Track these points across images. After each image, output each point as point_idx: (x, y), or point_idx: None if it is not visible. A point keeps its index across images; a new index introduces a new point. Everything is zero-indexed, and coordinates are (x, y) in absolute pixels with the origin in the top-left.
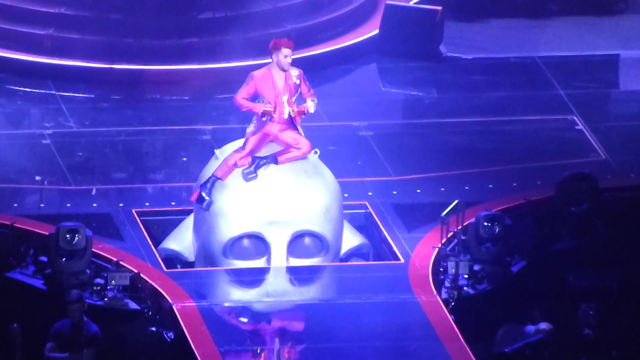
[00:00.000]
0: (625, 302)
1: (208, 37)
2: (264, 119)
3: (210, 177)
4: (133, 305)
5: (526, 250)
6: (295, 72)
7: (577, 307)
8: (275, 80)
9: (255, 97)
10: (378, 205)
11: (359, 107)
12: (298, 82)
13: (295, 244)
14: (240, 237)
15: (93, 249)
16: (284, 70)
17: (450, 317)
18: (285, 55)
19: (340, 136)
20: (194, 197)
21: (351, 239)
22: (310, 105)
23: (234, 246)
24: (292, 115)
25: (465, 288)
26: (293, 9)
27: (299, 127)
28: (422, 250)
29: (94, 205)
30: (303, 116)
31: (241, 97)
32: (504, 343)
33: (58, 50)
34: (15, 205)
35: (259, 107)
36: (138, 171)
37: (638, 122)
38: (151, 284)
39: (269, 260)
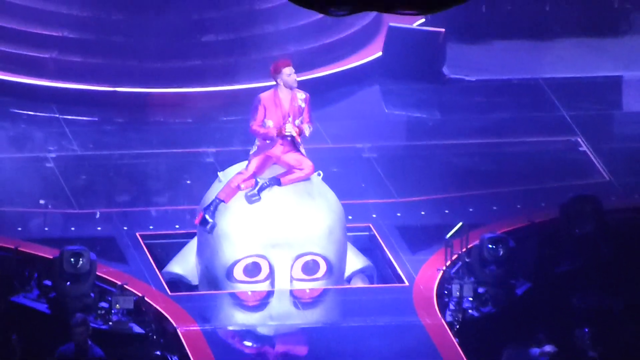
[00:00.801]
0: (630, 323)
1: (211, 59)
2: (276, 137)
3: (213, 200)
4: (137, 329)
5: (530, 272)
6: (301, 95)
7: (574, 332)
8: (282, 101)
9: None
10: (382, 227)
11: (362, 129)
12: (303, 105)
13: (299, 266)
14: (244, 260)
15: (97, 273)
16: (292, 89)
17: (454, 340)
18: (289, 74)
19: (344, 158)
20: (197, 220)
21: (355, 261)
22: (305, 128)
23: (237, 269)
24: (293, 135)
25: (469, 310)
26: (296, 32)
27: (302, 149)
28: (427, 273)
29: (98, 228)
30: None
31: (256, 124)
32: None
33: (61, 73)
34: (19, 228)
35: (272, 131)
36: (142, 194)
37: None
38: (155, 308)
39: (272, 283)
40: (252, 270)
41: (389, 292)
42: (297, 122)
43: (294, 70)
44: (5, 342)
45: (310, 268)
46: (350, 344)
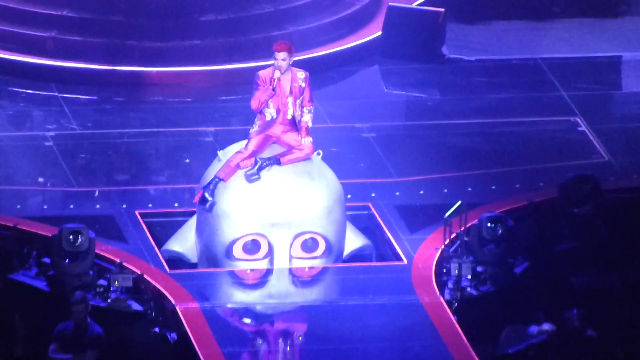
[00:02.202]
0: (628, 302)
1: (210, 39)
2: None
3: (213, 179)
4: (136, 306)
5: (529, 251)
6: (301, 74)
7: (576, 310)
8: (281, 80)
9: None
10: (381, 207)
11: (362, 109)
12: (304, 85)
13: (298, 245)
14: (243, 238)
15: (96, 251)
16: (281, 72)
17: (453, 319)
18: (276, 58)
19: (343, 138)
20: (196, 198)
21: (354, 241)
22: (308, 120)
23: (236, 248)
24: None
25: (468, 289)
26: (295, 11)
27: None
28: (425, 252)
29: (97, 206)
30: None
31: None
32: (508, 344)
33: (61, 52)
34: (18, 206)
35: (269, 90)
36: (141, 173)
37: None
38: (154, 285)
39: (271, 262)
40: (252, 248)
41: (388, 270)
42: (297, 102)
43: (285, 57)
44: (3, 320)
45: (309, 247)
46: (349, 322)
